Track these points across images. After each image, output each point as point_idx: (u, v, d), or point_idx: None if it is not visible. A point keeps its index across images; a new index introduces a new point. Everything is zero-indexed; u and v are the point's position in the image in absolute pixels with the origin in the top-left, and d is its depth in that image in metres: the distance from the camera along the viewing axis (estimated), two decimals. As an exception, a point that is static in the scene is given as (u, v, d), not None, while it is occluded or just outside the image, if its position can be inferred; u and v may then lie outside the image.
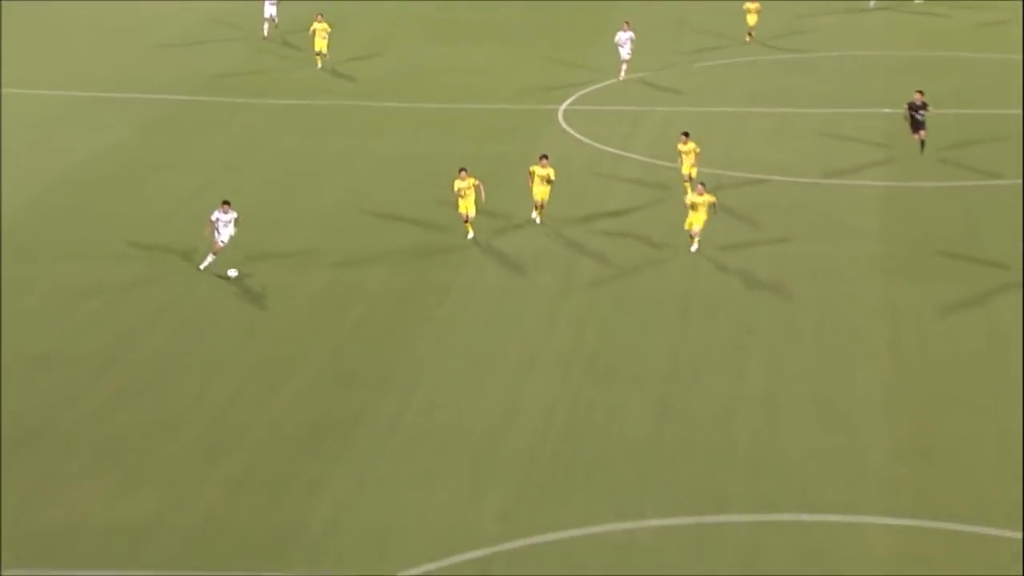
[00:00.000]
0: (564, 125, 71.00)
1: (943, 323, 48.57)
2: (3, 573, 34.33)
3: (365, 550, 35.45)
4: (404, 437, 41.04)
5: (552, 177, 56.35)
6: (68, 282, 51.79)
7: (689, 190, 56.96)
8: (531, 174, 56.49)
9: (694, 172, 58.98)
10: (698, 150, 59.47)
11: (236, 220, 51.47)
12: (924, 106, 63.24)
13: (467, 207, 54.45)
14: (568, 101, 74.33)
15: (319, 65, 79.99)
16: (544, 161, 56.22)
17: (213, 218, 51.14)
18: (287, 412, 42.59)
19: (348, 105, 75.31)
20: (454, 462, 39.62)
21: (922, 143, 63.39)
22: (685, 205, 54.18)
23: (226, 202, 51.39)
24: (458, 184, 54.19)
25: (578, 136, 69.25)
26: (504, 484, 38.48)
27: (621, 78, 78.44)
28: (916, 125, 63.32)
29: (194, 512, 37.20)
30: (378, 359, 45.88)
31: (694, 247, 53.52)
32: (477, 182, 54.46)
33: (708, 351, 46.58)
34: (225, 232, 51.29)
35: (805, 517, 36.88)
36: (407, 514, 37.03)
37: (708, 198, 53.50)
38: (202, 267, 51.67)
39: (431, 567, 34.65)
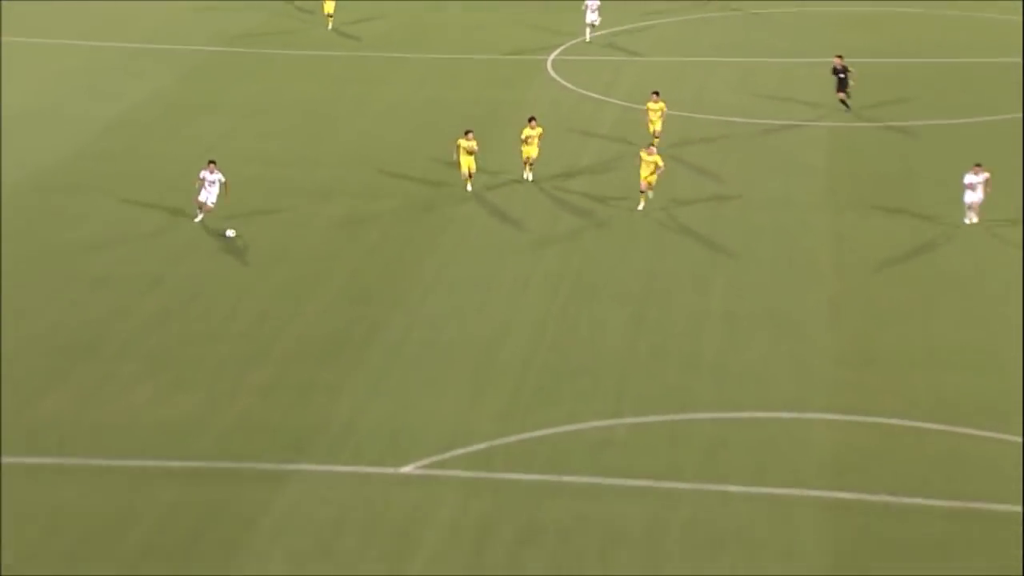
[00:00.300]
0: (552, 74, 70.86)
1: (881, 247, 48.62)
2: (68, 463, 34.69)
3: (378, 445, 35.70)
4: (413, 348, 41.21)
5: (540, 134, 54.11)
6: (121, 213, 51.69)
7: (652, 145, 54.77)
8: (524, 138, 53.97)
9: (659, 127, 57.28)
10: (665, 108, 57.58)
11: (223, 183, 49.17)
12: (844, 69, 62.24)
13: (469, 164, 52.59)
14: (555, 53, 74.03)
15: (329, 26, 79.11)
16: (533, 123, 53.97)
17: (200, 176, 49.23)
18: (310, 326, 42.74)
19: (360, 56, 74.68)
20: (456, 370, 39.81)
21: (843, 102, 62.46)
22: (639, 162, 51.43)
23: (212, 162, 49.39)
24: (463, 143, 52.39)
25: (564, 83, 69.09)
26: (500, 388, 38.70)
27: (587, 40, 75.71)
28: (840, 85, 62.31)
29: (230, 412, 37.48)
30: (390, 281, 45.97)
31: (640, 205, 51.21)
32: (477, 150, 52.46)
33: (678, 273, 46.62)
34: (211, 191, 49.10)
35: (760, 415, 37.24)
36: (415, 414, 37.29)
37: (655, 159, 50.82)
38: (196, 221, 49.79)
39: (436, 459, 34.94)
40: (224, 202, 49.42)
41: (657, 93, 57.74)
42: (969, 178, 48.95)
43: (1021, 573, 29.71)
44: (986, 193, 48.98)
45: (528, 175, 54.33)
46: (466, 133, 52.37)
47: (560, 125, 60.63)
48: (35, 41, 76.62)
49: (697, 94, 66.29)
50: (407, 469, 34.67)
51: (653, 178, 50.65)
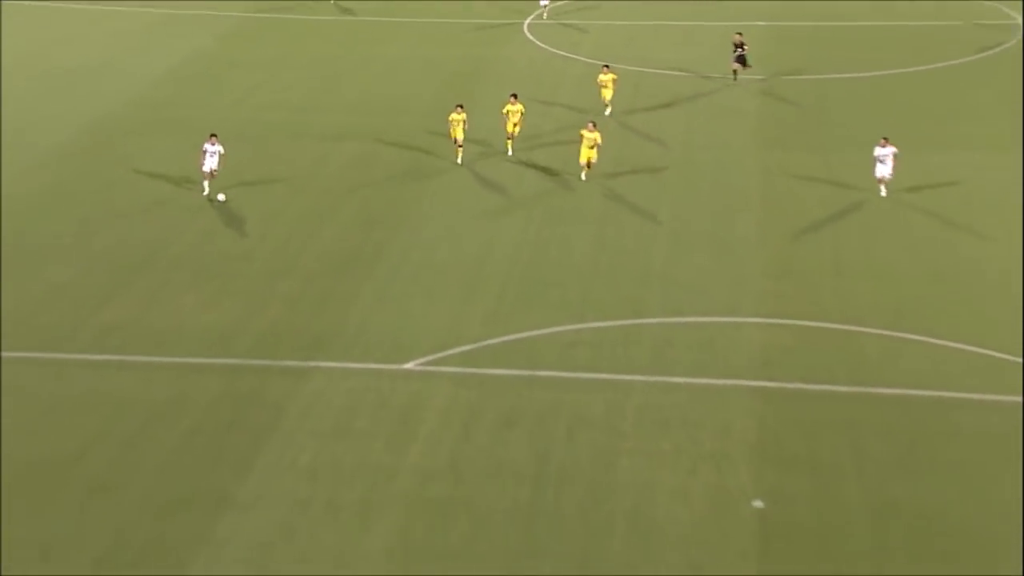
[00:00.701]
0: (528, 35, 70.67)
1: (800, 180, 48.68)
2: (129, 360, 34.97)
3: (385, 346, 35.91)
4: (412, 266, 41.30)
5: (523, 111, 50.58)
6: (171, 151, 51.33)
7: (607, 107, 54.00)
8: (505, 112, 50.57)
9: (609, 96, 54.88)
10: (616, 77, 55.24)
11: (221, 154, 45.71)
12: (742, 45, 59.55)
13: (457, 134, 49.26)
14: (530, 19, 73.61)
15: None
16: (514, 99, 50.51)
17: (203, 148, 45.85)
18: (327, 247, 42.79)
19: (364, 21, 74.03)
20: (448, 284, 39.94)
21: (735, 73, 59.80)
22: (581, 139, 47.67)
23: (213, 135, 45.86)
24: (453, 116, 49.24)
25: (537, 43, 68.93)
26: (485, 299, 38.87)
27: (544, 19, 72.59)
28: (739, 60, 59.66)
29: (262, 318, 37.69)
30: (393, 210, 45.86)
31: (583, 176, 47.72)
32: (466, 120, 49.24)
33: (632, 202, 46.50)
34: (211, 160, 45.63)
35: (701, 319, 37.41)
36: (415, 320, 37.46)
37: (595, 136, 47.16)
38: (206, 194, 46.20)
39: (432, 357, 35.17)
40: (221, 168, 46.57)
41: (608, 66, 55.68)
42: (878, 151, 45.82)
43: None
44: (894, 167, 45.71)
45: (510, 151, 50.67)
46: (456, 107, 49.54)
47: (532, 76, 60.63)
48: (89, 7, 76.09)
49: (646, 54, 65.74)
50: (408, 365, 34.87)
51: (593, 153, 47.07)
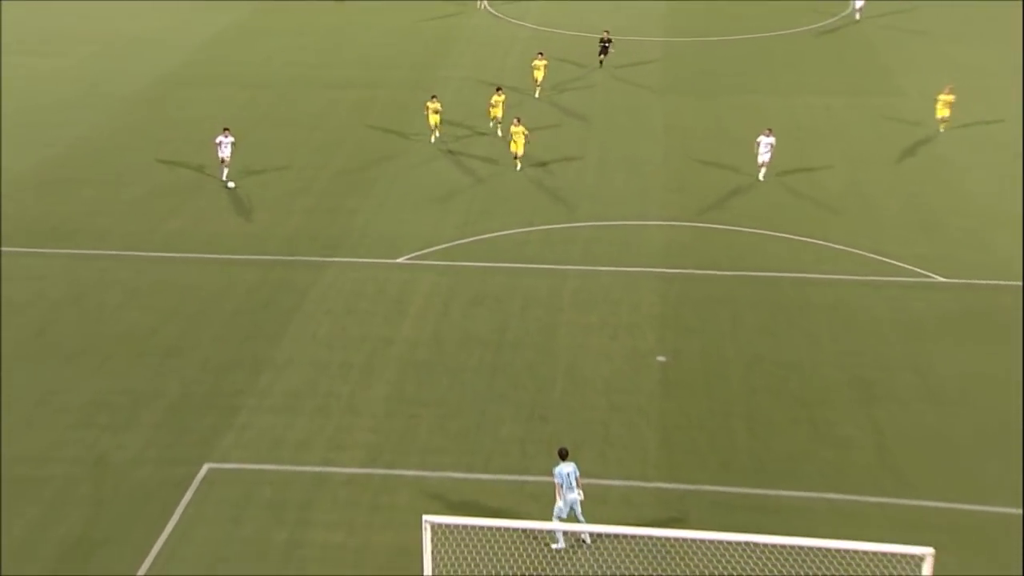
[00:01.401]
0: (488, 9, 69.82)
1: (693, 115, 48.57)
2: (190, 257, 34.94)
3: (382, 245, 35.97)
4: (402, 185, 41.07)
5: (504, 100, 45.58)
6: (218, 98, 51.06)
7: (536, 92, 49.87)
8: (491, 103, 45.62)
9: (540, 77, 50.58)
10: (547, 63, 51.06)
11: (233, 144, 40.39)
12: (609, 41, 54.99)
13: (435, 120, 44.48)
14: (490, -6, 72.84)
15: None
16: (500, 91, 45.71)
17: (216, 141, 40.43)
18: (337, 171, 42.45)
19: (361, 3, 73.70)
20: (430, 198, 39.80)
21: (601, 62, 54.76)
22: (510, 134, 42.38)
23: (226, 128, 40.64)
24: (430, 105, 44.49)
25: (494, 13, 68.26)
26: (457, 210, 38.76)
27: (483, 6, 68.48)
28: (601, 51, 54.89)
29: (288, 225, 37.63)
30: (388, 144, 45.40)
31: (518, 167, 41.82)
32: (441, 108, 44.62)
33: (566, 135, 46.26)
34: (225, 150, 40.12)
35: (619, 223, 37.52)
36: (405, 226, 37.42)
37: (523, 129, 41.20)
38: (223, 179, 40.69)
39: (418, 254, 35.27)
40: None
41: (542, 53, 51.46)
42: (761, 139, 40.55)
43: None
44: (771, 155, 40.47)
45: (498, 131, 45.39)
46: (432, 97, 45.06)
47: (488, 39, 59.85)
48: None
49: (581, 19, 65.03)
50: (400, 260, 34.95)
51: (521, 148, 41.34)
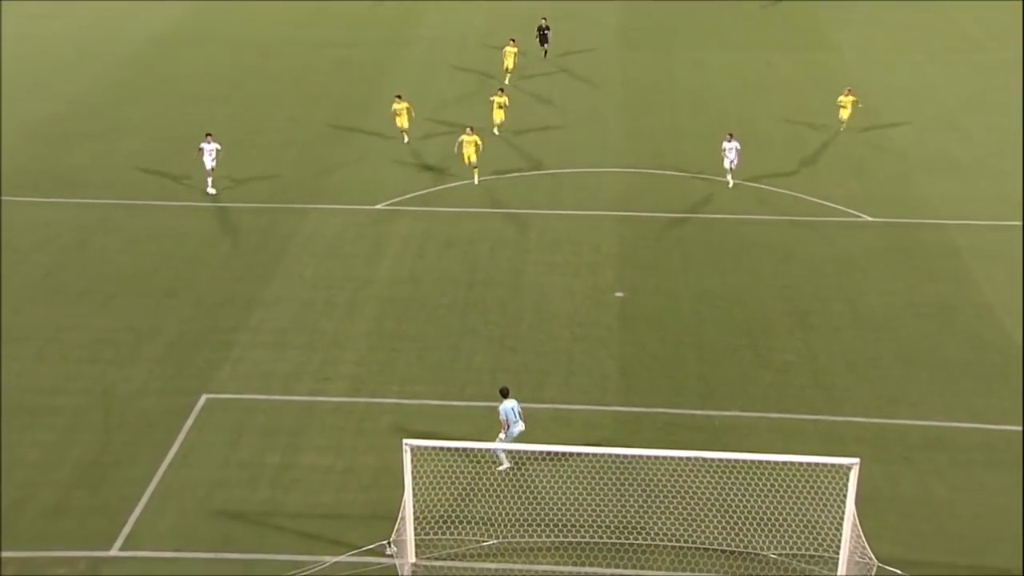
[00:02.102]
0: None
1: (648, 69, 48.36)
2: (187, 205, 34.59)
3: (362, 193, 35.70)
4: (379, 141, 40.40)
5: (506, 102, 40.39)
6: (211, 56, 50.31)
7: (506, 79, 44.94)
8: (496, 104, 40.09)
9: (510, 65, 45.77)
10: (517, 51, 46.00)
11: (218, 151, 35.27)
12: (547, 28, 48.67)
13: (403, 123, 39.16)
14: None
15: None
16: (500, 92, 40.58)
17: (200, 147, 35.35)
18: (319, 126, 41.88)
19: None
20: (405, 154, 39.41)
21: (545, 52, 48.80)
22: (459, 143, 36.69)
23: (208, 134, 35.60)
24: (396, 106, 39.20)
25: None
26: (431, 159, 38.43)
27: None
28: (541, 40, 48.57)
29: (275, 175, 37.23)
30: (364, 99, 44.82)
31: (475, 180, 36.06)
32: (409, 106, 39.33)
33: (533, 88, 46.05)
34: (208, 158, 35.15)
35: (580, 170, 37.46)
36: (382, 176, 37.15)
37: (475, 138, 35.74)
38: (207, 190, 35.38)
39: (395, 200, 35.12)
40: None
41: (514, 39, 46.31)
42: (725, 145, 35.63)
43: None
44: (738, 159, 35.63)
45: (496, 131, 40.14)
46: (395, 96, 39.83)
47: (449, 27, 58.79)
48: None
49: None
50: (379, 206, 34.80)
51: (475, 157, 35.69)
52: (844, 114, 40.84)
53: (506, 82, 44.83)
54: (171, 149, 39.47)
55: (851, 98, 40.83)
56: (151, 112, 43.49)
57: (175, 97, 45.15)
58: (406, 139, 39.75)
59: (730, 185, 35.71)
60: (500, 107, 40.29)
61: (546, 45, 48.83)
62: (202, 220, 33.94)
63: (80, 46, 52.47)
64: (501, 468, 22.08)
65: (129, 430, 23.80)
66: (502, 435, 22.00)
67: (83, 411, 24.46)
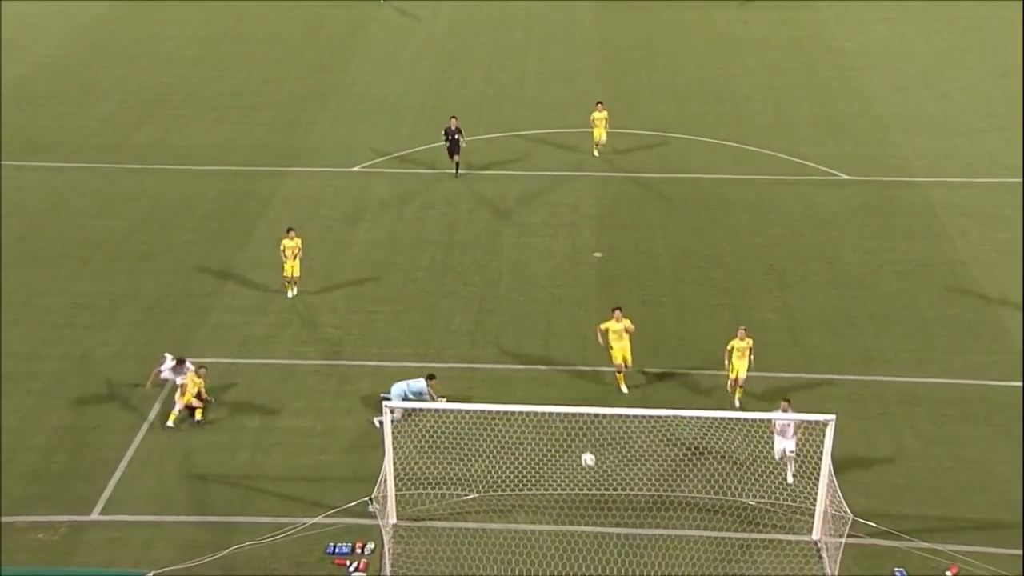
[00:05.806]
0: None
1: (628, 29, 48.01)
2: (160, 167, 34.38)
3: (339, 155, 35.61)
4: (355, 98, 40.51)
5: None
6: (183, 17, 49.39)
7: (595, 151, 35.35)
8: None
9: (602, 137, 35.48)
10: (606, 115, 36.15)
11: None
12: (458, 131, 33.19)
13: (290, 271, 27.31)
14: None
15: None
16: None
17: (159, 369, 23.38)
18: (294, 85, 41.55)
19: None
20: (381, 110, 39.31)
21: (456, 167, 33.53)
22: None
23: (172, 357, 23.88)
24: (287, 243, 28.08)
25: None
26: (406, 122, 38.28)
27: None
28: (450, 144, 33.13)
29: (251, 136, 37.02)
30: (340, 59, 44.56)
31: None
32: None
33: (510, 46, 45.85)
34: (172, 375, 22.98)
35: (559, 130, 37.12)
36: (360, 137, 36.98)
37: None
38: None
39: (372, 162, 34.99)
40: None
41: (601, 103, 35.41)
42: (777, 422, 21.19)
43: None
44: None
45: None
46: (288, 231, 27.84)
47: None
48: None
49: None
50: (356, 168, 34.69)
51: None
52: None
53: (595, 154, 35.19)
54: (144, 112, 39.09)
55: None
56: (122, 74, 43.00)
57: (146, 59, 44.64)
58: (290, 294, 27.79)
59: (790, 480, 21.03)
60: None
61: (456, 157, 33.60)
62: (177, 183, 33.68)
63: (46, 5, 51.62)
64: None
65: (107, 395, 23.73)
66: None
67: (60, 376, 24.38)
